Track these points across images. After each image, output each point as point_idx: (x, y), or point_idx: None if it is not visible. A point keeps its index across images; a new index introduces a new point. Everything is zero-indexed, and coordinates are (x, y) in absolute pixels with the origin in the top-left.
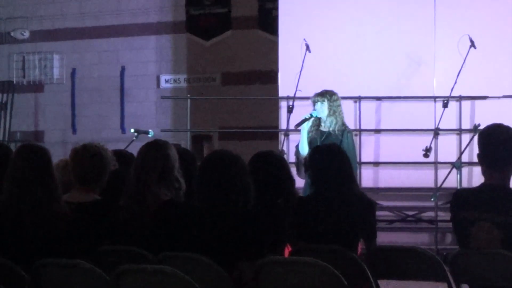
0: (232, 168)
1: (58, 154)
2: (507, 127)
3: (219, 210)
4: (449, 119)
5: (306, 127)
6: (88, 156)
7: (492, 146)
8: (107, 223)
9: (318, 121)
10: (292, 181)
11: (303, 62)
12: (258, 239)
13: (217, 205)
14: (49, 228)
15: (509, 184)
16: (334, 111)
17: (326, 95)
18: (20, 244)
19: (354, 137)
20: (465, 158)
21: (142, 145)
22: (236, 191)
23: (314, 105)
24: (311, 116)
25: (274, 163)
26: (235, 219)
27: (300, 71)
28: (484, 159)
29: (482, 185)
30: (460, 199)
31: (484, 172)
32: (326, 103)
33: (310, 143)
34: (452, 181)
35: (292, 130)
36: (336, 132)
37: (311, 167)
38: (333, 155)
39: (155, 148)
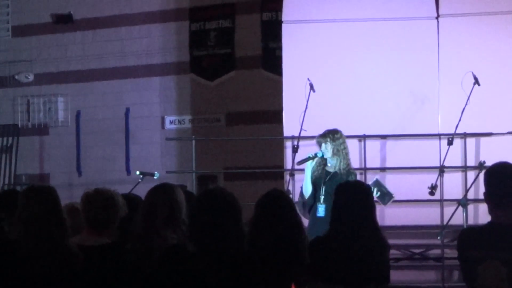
0: (225, 211)
1: (64, 197)
2: None
3: (217, 255)
4: (454, 157)
5: (310, 166)
6: (100, 200)
7: (499, 185)
8: (115, 266)
9: (324, 161)
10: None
11: (307, 102)
12: (259, 282)
13: (213, 250)
14: (61, 266)
15: None
16: (338, 150)
17: (329, 135)
18: (35, 283)
19: (360, 176)
20: (470, 195)
21: (150, 188)
22: (231, 235)
23: (319, 146)
24: (316, 155)
25: (284, 204)
26: (234, 263)
27: (305, 111)
28: (491, 198)
29: (489, 223)
30: (467, 238)
31: (491, 211)
32: (329, 144)
33: (314, 183)
34: (458, 219)
35: (297, 170)
36: (342, 171)
37: (333, 204)
38: (357, 193)
39: (162, 191)
